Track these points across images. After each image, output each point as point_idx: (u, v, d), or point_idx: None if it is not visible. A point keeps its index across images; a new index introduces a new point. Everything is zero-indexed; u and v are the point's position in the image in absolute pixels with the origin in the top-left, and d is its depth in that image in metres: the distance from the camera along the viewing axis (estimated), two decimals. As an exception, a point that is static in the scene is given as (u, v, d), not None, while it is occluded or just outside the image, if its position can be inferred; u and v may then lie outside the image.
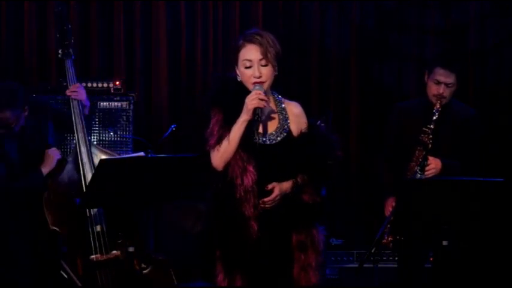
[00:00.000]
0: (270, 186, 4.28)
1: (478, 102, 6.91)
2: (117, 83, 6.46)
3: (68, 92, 5.45)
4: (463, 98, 5.92)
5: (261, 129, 4.34)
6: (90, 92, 5.85)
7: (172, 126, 5.97)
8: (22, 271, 5.33)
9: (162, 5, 7.09)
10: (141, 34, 7.10)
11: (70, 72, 5.46)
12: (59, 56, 5.48)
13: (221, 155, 4.27)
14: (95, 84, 6.31)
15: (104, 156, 5.40)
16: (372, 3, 7.16)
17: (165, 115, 7.09)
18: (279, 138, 4.36)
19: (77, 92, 5.45)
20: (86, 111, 5.53)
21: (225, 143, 4.26)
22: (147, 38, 7.11)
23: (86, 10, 7.02)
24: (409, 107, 5.61)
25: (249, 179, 4.24)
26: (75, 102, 5.43)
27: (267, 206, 4.28)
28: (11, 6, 6.97)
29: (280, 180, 4.30)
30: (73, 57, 5.47)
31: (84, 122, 5.42)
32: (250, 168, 4.25)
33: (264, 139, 4.33)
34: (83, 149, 5.38)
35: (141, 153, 5.24)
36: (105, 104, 6.29)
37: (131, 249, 4.77)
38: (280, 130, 4.37)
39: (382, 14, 7.19)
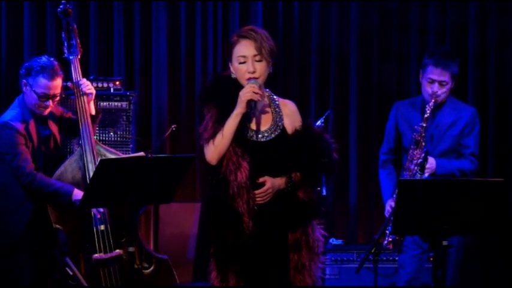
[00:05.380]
0: (261, 180, 4.27)
1: (478, 102, 6.91)
2: (117, 83, 6.46)
3: (85, 89, 5.46)
4: (463, 98, 5.93)
5: (254, 126, 4.34)
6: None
7: (172, 126, 5.97)
8: (23, 268, 5.34)
9: (162, 5, 7.09)
10: (141, 34, 7.10)
11: (77, 70, 5.49)
12: (64, 55, 5.51)
13: (215, 148, 4.26)
14: (94, 84, 6.29)
15: (111, 156, 5.42)
16: (372, 3, 7.16)
17: (165, 115, 7.09)
18: (273, 135, 4.35)
19: (90, 86, 5.50)
20: (92, 110, 5.55)
21: (219, 136, 4.25)
22: (147, 38, 7.11)
23: (86, 10, 7.02)
24: (408, 104, 5.63)
25: (242, 175, 4.23)
26: (83, 100, 5.46)
27: (258, 199, 4.27)
28: (11, 7, 6.97)
29: (273, 177, 4.29)
30: (78, 55, 5.51)
31: (90, 122, 5.43)
32: (245, 164, 4.24)
33: (258, 136, 4.34)
34: (88, 148, 5.39)
35: (141, 153, 5.25)
36: (105, 104, 6.28)
37: (131, 249, 4.77)
38: (274, 127, 4.37)
39: (382, 14, 7.18)
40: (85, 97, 5.45)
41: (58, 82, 5.33)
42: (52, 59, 5.39)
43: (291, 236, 4.33)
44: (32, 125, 5.36)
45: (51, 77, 5.28)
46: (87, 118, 5.44)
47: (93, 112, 5.52)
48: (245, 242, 4.24)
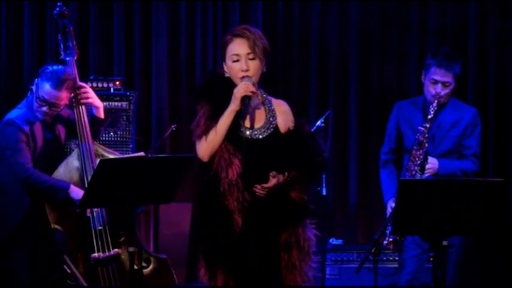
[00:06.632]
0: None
1: (478, 102, 6.91)
2: (117, 83, 6.46)
3: (83, 99, 5.43)
4: (463, 98, 5.92)
5: (248, 124, 4.35)
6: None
7: (172, 126, 5.97)
8: (23, 268, 5.34)
9: (162, 5, 7.10)
10: (141, 34, 7.10)
11: (74, 70, 5.47)
12: (61, 57, 5.49)
13: (207, 145, 4.28)
14: (94, 84, 6.30)
15: (109, 156, 5.41)
16: (372, 3, 7.16)
17: (165, 115, 7.09)
18: (265, 134, 4.36)
19: (88, 94, 5.47)
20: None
21: (212, 133, 4.27)
22: (147, 38, 7.11)
23: (85, 10, 7.02)
24: (409, 104, 5.62)
25: (233, 172, 4.23)
26: (81, 109, 5.44)
27: (258, 192, 4.25)
28: (11, 7, 6.97)
29: (265, 176, 4.27)
30: (75, 56, 5.49)
31: (89, 127, 5.41)
32: (236, 161, 4.25)
33: (252, 133, 4.34)
34: (85, 149, 5.38)
35: (141, 153, 5.24)
36: (105, 104, 6.27)
37: (131, 249, 4.77)
38: (267, 126, 4.37)
39: (383, 14, 7.18)
40: (83, 107, 5.44)
41: (62, 94, 5.26)
42: (70, 72, 5.33)
43: (281, 236, 4.33)
44: (38, 127, 5.34)
45: (56, 86, 5.23)
46: (85, 122, 5.41)
47: (102, 116, 5.51)
48: (235, 239, 4.24)
